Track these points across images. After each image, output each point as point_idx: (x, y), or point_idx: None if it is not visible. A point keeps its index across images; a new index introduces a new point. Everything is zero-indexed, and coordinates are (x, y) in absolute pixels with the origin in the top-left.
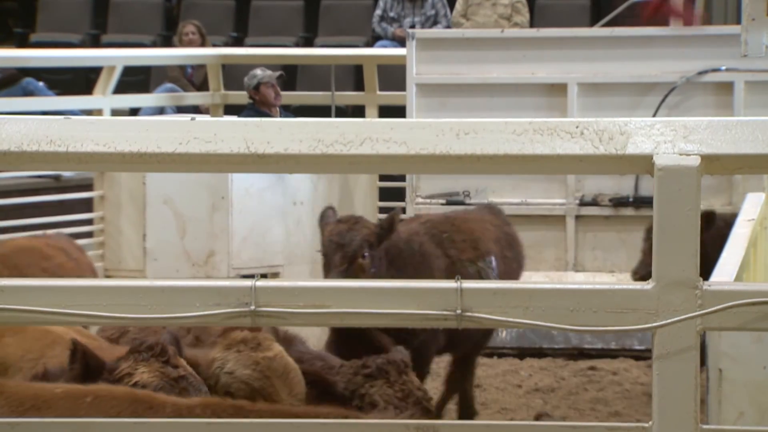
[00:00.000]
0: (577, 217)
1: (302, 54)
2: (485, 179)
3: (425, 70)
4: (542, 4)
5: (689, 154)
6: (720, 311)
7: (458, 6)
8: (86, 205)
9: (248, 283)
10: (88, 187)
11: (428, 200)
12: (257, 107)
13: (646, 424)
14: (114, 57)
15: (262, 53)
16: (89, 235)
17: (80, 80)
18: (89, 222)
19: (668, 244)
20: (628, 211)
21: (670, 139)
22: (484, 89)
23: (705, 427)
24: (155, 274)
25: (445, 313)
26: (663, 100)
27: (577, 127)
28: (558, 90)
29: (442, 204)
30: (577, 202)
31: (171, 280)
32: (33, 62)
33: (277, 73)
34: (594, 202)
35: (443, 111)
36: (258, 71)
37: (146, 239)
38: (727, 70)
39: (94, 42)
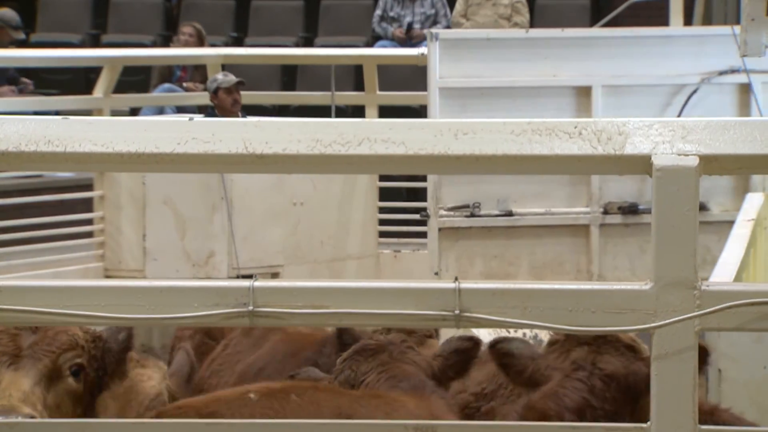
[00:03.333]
0: (601, 226)
1: (302, 54)
2: (507, 188)
3: (448, 73)
4: (542, 4)
5: (687, 155)
6: (718, 311)
7: (458, 6)
8: (86, 205)
9: (246, 283)
10: (88, 187)
11: (452, 213)
12: (216, 112)
13: (644, 425)
14: (114, 57)
15: (262, 53)
16: (89, 235)
17: (80, 80)
18: (89, 222)
19: (666, 245)
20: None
21: (669, 139)
22: (508, 92)
23: (703, 427)
24: (155, 274)
25: (443, 313)
26: (687, 101)
27: (575, 127)
28: (582, 92)
29: (466, 216)
30: (601, 210)
31: (169, 280)
32: (33, 62)
33: (236, 80)
34: (617, 210)
35: (466, 114)
36: (219, 76)
37: (146, 239)
38: (743, 71)
39: (94, 42)
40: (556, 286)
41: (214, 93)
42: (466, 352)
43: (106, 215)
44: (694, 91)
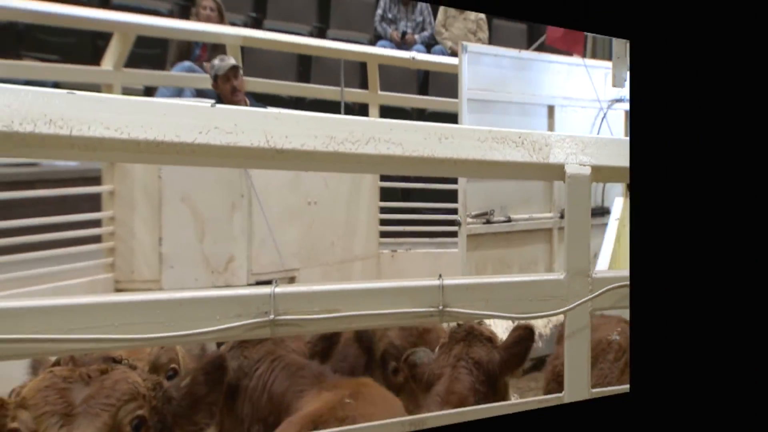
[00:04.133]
0: (559, 229)
1: (311, 45)
2: (506, 196)
3: (474, 85)
4: (496, 25)
5: (585, 165)
6: (602, 294)
7: (439, 16)
8: (93, 203)
9: (267, 290)
10: (95, 180)
11: (474, 220)
12: (222, 99)
13: (560, 394)
14: (126, 23)
15: (280, 39)
16: (97, 239)
17: (86, 46)
18: (96, 223)
19: (574, 240)
20: None
21: (575, 151)
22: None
23: (594, 390)
24: (172, 283)
25: (431, 309)
26: (601, 122)
27: (519, 137)
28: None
29: (483, 224)
30: (559, 215)
31: (189, 290)
32: (27, 17)
33: (231, 64)
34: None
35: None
36: (216, 61)
37: (162, 243)
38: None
39: (103, 2)
40: (506, 279)
41: (215, 80)
42: (330, 338)
43: (117, 215)
44: (605, 115)
